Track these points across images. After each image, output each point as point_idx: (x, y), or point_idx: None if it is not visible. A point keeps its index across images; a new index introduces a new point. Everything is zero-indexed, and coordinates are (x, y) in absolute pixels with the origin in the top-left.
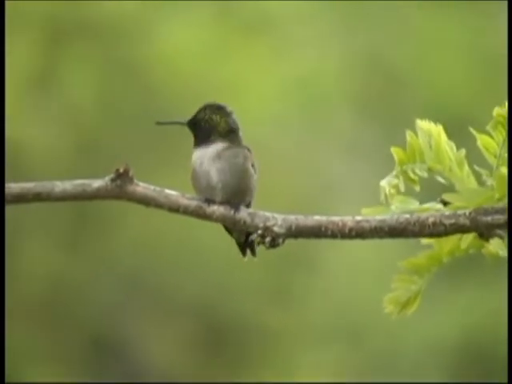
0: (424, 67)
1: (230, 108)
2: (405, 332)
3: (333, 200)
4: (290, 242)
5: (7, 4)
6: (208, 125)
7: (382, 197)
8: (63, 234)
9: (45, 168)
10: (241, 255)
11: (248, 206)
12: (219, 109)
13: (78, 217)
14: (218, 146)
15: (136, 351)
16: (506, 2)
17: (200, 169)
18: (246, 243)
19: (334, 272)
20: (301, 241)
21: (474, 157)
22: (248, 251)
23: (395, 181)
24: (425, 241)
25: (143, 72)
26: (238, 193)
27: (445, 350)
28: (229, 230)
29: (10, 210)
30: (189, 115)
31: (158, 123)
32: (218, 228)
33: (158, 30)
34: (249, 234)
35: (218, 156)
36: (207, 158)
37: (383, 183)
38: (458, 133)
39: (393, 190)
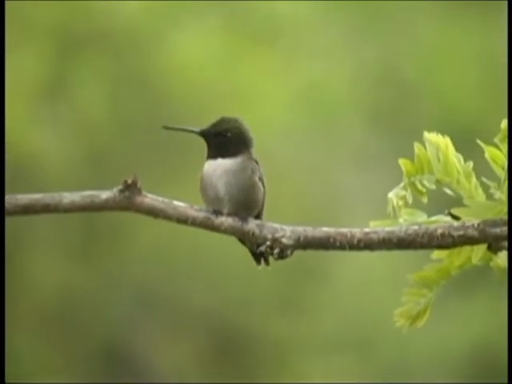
0: (434, 79)
1: (245, 122)
2: (414, 342)
3: (342, 211)
4: (300, 252)
5: (18, 14)
6: (222, 137)
7: (390, 209)
8: (74, 244)
9: (56, 180)
10: (254, 264)
11: (258, 217)
12: (235, 122)
13: (88, 227)
14: (229, 159)
15: (146, 363)
16: None
17: (209, 181)
18: (259, 253)
19: (344, 282)
20: (311, 251)
21: (482, 169)
22: (262, 260)
23: (403, 192)
24: (436, 254)
25: (154, 82)
26: (244, 206)
27: (454, 361)
28: (242, 240)
29: (20, 221)
30: (199, 125)
31: (165, 128)
32: (228, 239)
33: (168, 40)
34: (259, 245)
35: (227, 169)
36: (217, 170)
37: (391, 195)
38: (467, 145)
39: (401, 202)
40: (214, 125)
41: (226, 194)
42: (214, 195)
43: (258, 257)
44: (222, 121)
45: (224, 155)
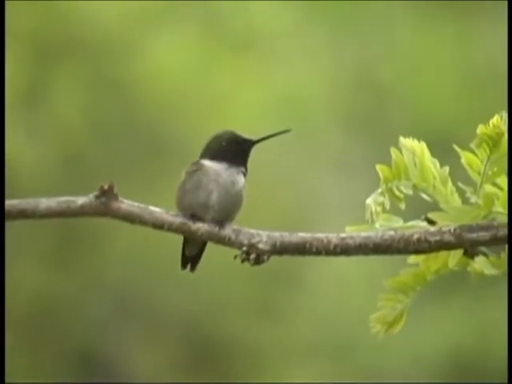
0: (411, 84)
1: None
2: (391, 348)
3: (319, 217)
4: (277, 257)
5: None
6: (237, 146)
7: (368, 215)
8: (51, 248)
9: (33, 185)
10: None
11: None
12: (237, 137)
13: (66, 231)
14: (229, 170)
15: (123, 366)
16: (495, 21)
17: (206, 184)
18: (192, 258)
19: (320, 287)
20: (288, 257)
21: (458, 174)
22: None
23: (381, 198)
24: (412, 259)
25: (131, 89)
26: (228, 215)
27: (431, 366)
28: (186, 241)
29: None
30: (175, 133)
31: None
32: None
33: (145, 47)
34: (201, 250)
35: (230, 182)
36: (216, 177)
37: (369, 201)
38: (443, 150)
39: (379, 208)
40: (234, 134)
41: (217, 203)
42: (204, 200)
43: (187, 261)
44: (237, 132)
45: (235, 166)
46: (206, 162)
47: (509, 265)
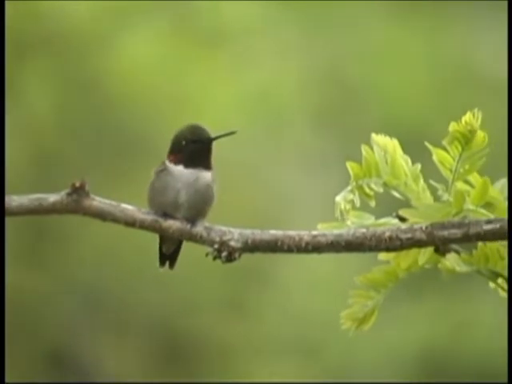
0: (382, 80)
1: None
2: (362, 345)
3: (291, 214)
4: (247, 255)
5: None
6: (198, 145)
7: (338, 213)
8: (21, 246)
9: (5, 181)
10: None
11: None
12: (206, 131)
13: (37, 229)
14: (203, 171)
15: (92, 366)
16: (468, 18)
17: (173, 184)
18: (170, 255)
19: (290, 285)
20: (258, 254)
21: (430, 172)
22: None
23: (350, 196)
24: (383, 256)
25: (103, 85)
26: (199, 212)
27: (403, 364)
28: (162, 240)
29: None
30: (148, 129)
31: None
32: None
33: (116, 43)
34: (178, 247)
35: (195, 179)
36: (185, 177)
37: (338, 199)
38: (414, 147)
39: (348, 206)
40: (193, 132)
41: (186, 201)
42: (173, 199)
43: (165, 259)
44: (199, 128)
45: (198, 165)
46: (168, 163)
47: (509, 264)
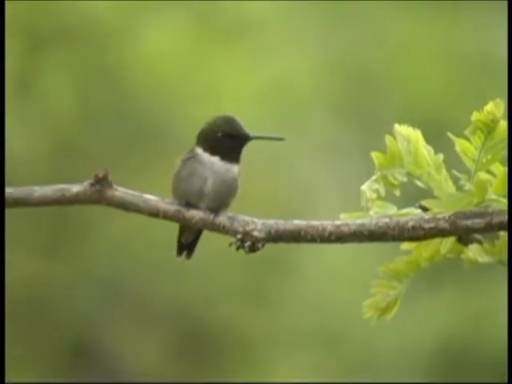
0: (403, 70)
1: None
2: (382, 335)
3: (313, 204)
4: (268, 246)
5: None
6: (232, 140)
7: (363, 202)
8: (42, 237)
9: (27, 173)
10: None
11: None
12: (234, 130)
13: (56, 220)
14: (233, 165)
15: (114, 357)
16: (487, 6)
17: (201, 172)
18: (188, 245)
19: (311, 276)
20: (280, 245)
21: (452, 161)
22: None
23: (376, 186)
24: (404, 246)
25: (122, 77)
26: (223, 202)
27: (424, 354)
28: (182, 229)
29: None
30: (168, 120)
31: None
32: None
33: (135, 33)
34: (197, 237)
35: (225, 171)
36: (216, 167)
37: (364, 188)
38: (436, 136)
39: (374, 195)
40: (231, 126)
41: (212, 191)
42: (199, 188)
43: (183, 248)
44: (236, 122)
45: (231, 158)
46: (201, 151)
47: (509, 257)
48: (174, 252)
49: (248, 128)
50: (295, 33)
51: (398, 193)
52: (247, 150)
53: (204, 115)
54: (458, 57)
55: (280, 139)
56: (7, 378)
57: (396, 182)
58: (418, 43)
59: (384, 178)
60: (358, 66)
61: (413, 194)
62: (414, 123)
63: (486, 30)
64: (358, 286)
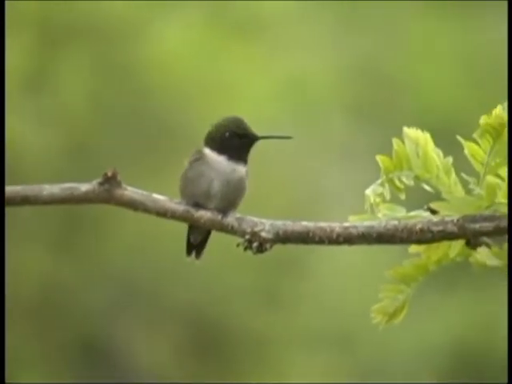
0: (415, 74)
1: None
2: (395, 337)
3: (325, 206)
4: (282, 247)
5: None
6: (240, 140)
7: (367, 205)
8: (55, 236)
9: (37, 171)
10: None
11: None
12: (241, 130)
13: (70, 219)
14: (240, 166)
15: (127, 354)
16: (499, 10)
17: (208, 173)
18: (197, 245)
19: (324, 277)
20: (293, 246)
21: (462, 164)
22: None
23: (380, 189)
24: (413, 249)
25: (136, 74)
26: (231, 203)
27: (436, 356)
28: (191, 229)
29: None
30: (182, 119)
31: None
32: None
33: (150, 31)
34: (206, 237)
35: (231, 171)
36: (223, 168)
37: (368, 192)
38: (445, 140)
39: (378, 199)
40: (239, 126)
41: (219, 192)
42: (206, 189)
43: (192, 249)
44: (244, 123)
45: (239, 158)
46: (208, 151)
47: (509, 260)
48: (184, 252)
49: (263, 126)
50: (311, 33)
51: (403, 196)
52: (257, 150)
53: (218, 114)
54: (473, 60)
55: (288, 138)
56: (21, 377)
57: (402, 186)
58: (432, 46)
59: (390, 182)
60: (373, 67)
61: (419, 199)
62: (426, 126)
63: (499, 32)
64: (372, 286)
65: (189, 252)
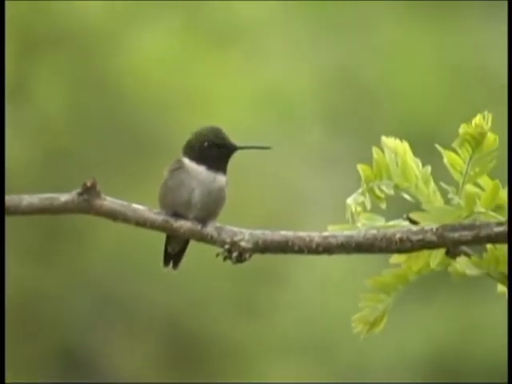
0: (393, 82)
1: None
2: (375, 346)
3: (305, 215)
4: (259, 256)
5: None
6: (219, 150)
7: (348, 215)
8: (34, 244)
9: (15, 180)
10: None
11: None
12: (220, 140)
13: (49, 227)
14: (220, 175)
15: (106, 363)
16: (480, 20)
17: (188, 182)
18: (175, 255)
19: (303, 286)
20: (271, 256)
21: (441, 174)
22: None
23: (361, 198)
24: (393, 259)
25: (114, 82)
26: (211, 213)
27: (414, 366)
28: (169, 239)
29: None
30: (160, 127)
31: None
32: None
33: (128, 40)
34: (184, 247)
35: (211, 181)
36: (203, 177)
37: (349, 201)
38: (424, 149)
39: (359, 208)
40: (217, 136)
41: (199, 202)
42: (186, 198)
43: (169, 259)
44: (222, 132)
45: (218, 168)
46: (187, 161)
47: (509, 265)
48: (161, 262)
49: (241, 135)
50: (290, 41)
51: (384, 206)
52: (236, 158)
53: (197, 122)
54: (451, 68)
55: (266, 148)
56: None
57: (382, 195)
58: (410, 54)
59: (370, 191)
60: (351, 75)
61: (399, 208)
62: (405, 134)
63: (480, 40)
64: (350, 295)
65: (166, 262)
